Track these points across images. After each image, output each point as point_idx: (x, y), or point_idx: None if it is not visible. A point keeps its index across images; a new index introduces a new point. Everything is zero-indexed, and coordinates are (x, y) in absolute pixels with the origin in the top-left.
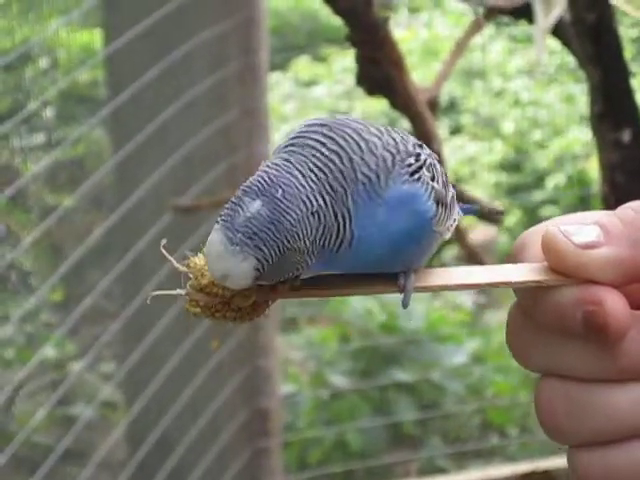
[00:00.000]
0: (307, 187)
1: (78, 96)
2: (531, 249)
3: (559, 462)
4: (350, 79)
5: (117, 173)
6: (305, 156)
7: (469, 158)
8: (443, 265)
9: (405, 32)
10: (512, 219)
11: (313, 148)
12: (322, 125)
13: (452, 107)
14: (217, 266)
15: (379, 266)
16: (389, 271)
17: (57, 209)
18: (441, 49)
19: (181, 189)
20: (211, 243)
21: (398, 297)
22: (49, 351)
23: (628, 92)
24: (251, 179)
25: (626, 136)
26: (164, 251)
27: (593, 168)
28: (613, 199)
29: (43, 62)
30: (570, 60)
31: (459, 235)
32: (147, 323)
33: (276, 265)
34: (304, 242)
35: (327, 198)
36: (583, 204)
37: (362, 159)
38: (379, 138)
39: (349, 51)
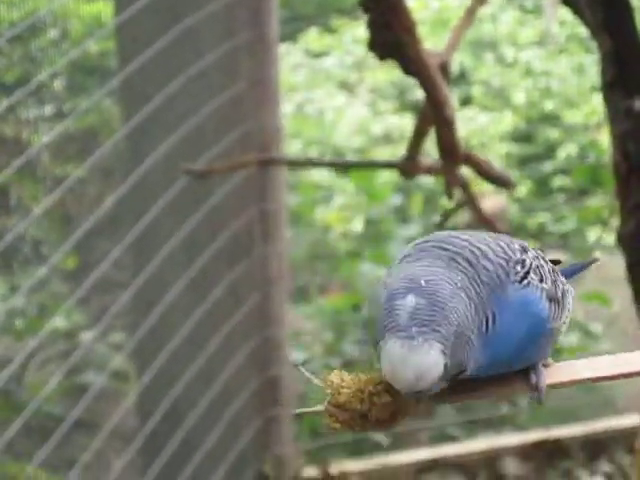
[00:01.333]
0: (444, 272)
1: (88, 67)
2: None
3: (569, 431)
4: (360, 50)
5: (128, 143)
6: (434, 257)
7: (480, 129)
8: (452, 229)
9: (416, 2)
10: (523, 190)
11: (438, 255)
12: (434, 239)
13: (462, 78)
14: (407, 371)
15: (508, 368)
16: (513, 370)
17: (67, 179)
18: (452, 19)
19: (192, 157)
20: (391, 354)
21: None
22: (60, 321)
23: (639, 59)
24: (388, 287)
25: (637, 104)
26: (303, 369)
27: (605, 139)
28: (625, 167)
29: (53, 33)
30: (581, 30)
31: (470, 200)
32: (157, 293)
33: (455, 345)
34: (465, 316)
35: (467, 279)
36: (595, 174)
37: (484, 267)
38: (489, 247)
39: (359, 22)
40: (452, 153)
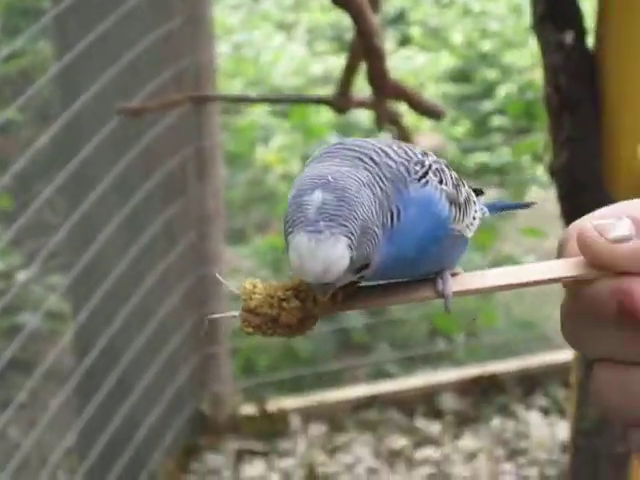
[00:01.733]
0: (350, 170)
1: (22, 8)
2: (571, 242)
3: (505, 366)
4: None
5: (61, 83)
6: (341, 158)
7: (418, 69)
8: None
9: None
10: (460, 129)
11: (345, 155)
12: (341, 143)
13: (400, 18)
14: (313, 264)
15: (412, 270)
16: (421, 276)
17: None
18: None
19: (126, 96)
20: (298, 246)
21: None
22: None
23: None
24: (296, 185)
25: (568, 37)
26: (219, 276)
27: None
28: (556, 101)
29: None
30: None
31: (402, 136)
32: (92, 232)
33: (360, 239)
34: (370, 211)
35: (371, 176)
36: (530, 110)
37: (387, 165)
38: (391, 148)
39: None
40: (381, 84)
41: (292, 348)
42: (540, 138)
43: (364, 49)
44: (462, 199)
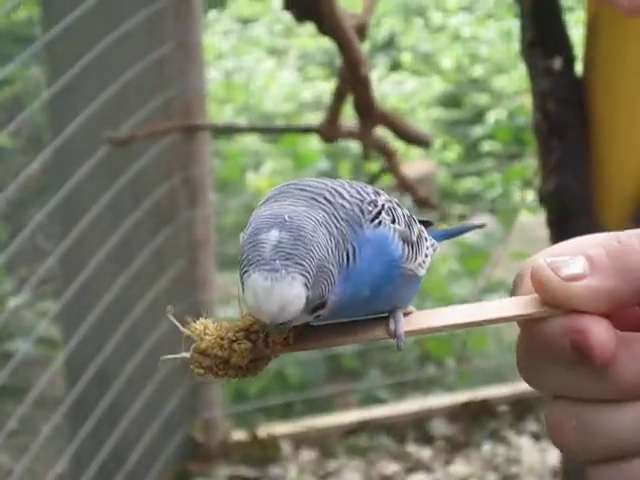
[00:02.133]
0: (306, 210)
1: (13, 35)
2: (526, 279)
3: (496, 391)
4: (289, 17)
5: (52, 109)
6: (296, 198)
7: (408, 94)
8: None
9: None
10: (451, 155)
11: (300, 195)
12: (294, 183)
13: (391, 43)
14: (269, 303)
15: (365, 309)
16: (374, 314)
17: None
18: None
19: (116, 122)
20: (254, 286)
21: None
22: None
23: (559, 18)
24: (252, 224)
25: (557, 63)
26: (171, 317)
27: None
28: (545, 126)
29: None
30: None
31: (390, 164)
32: (83, 259)
33: (317, 278)
34: (327, 250)
35: (327, 216)
36: (520, 135)
37: (342, 205)
38: (344, 189)
39: None
40: (368, 113)
41: (282, 374)
42: (531, 163)
43: (351, 78)
44: (414, 237)
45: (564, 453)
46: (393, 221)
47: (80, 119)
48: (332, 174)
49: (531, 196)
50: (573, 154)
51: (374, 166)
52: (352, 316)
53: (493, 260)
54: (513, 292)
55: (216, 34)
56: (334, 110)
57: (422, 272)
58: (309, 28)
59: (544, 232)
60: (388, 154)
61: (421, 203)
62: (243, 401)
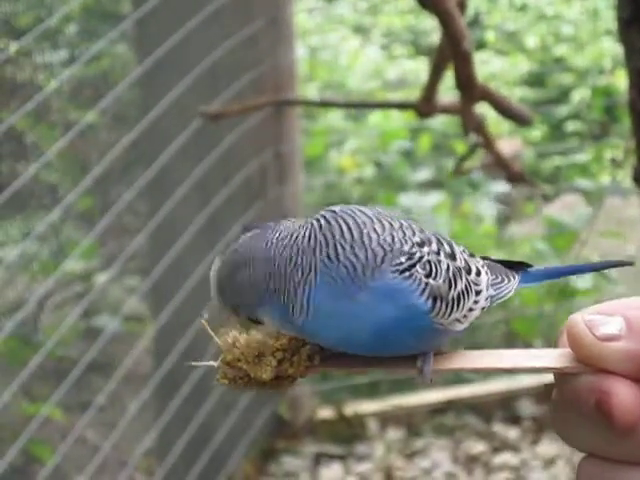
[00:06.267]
0: (271, 244)
1: (101, 12)
2: (564, 334)
3: None
4: None
5: (141, 86)
6: (295, 229)
7: (493, 73)
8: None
9: None
10: (537, 134)
11: (309, 226)
12: (332, 211)
13: (476, 22)
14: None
15: (388, 350)
16: (393, 354)
17: (80, 123)
18: None
19: (206, 100)
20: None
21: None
22: (75, 264)
23: None
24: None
25: None
26: (206, 325)
27: (619, 82)
28: None
29: None
30: None
31: (487, 142)
32: (171, 236)
33: (236, 271)
34: (251, 273)
35: (285, 255)
36: (609, 115)
37: (351, 247)
38: (378, 235)
39: None
40: (469, 88)
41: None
42: (616, 143)
43: (452, 53)
44: (454, 292)
45: None
46: (429, 275)
47: (170, 96)
48: (411, 152)
49: (620, 175)
50: None
51: (459, 145)
52: (380, 354)
53: (581, 239)
54: (556, 344)
55: (301, 12)
56: (430, 86)
57: (460, 327)
58: (394, 5)
59: (634, 211)
60: (484, 132)
61: (515, 179)
62: (330, 379)
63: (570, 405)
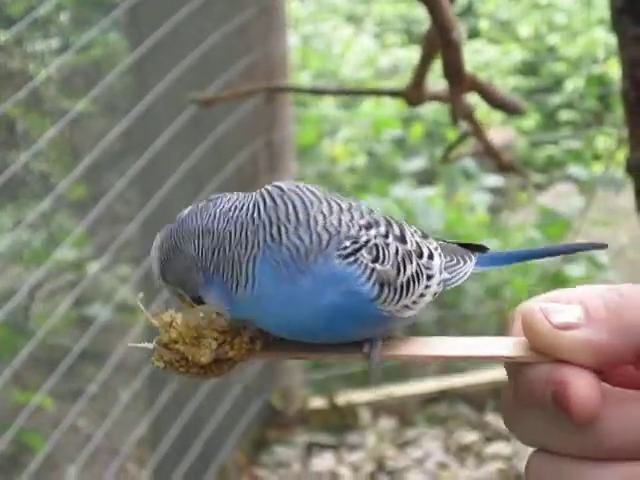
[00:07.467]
0: (211, 217)
1: (93, 0)
2: (518, 322)
3: None
4: None
5: (133, 74)
6: (240, 202)
7: (487, 62)
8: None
9: None
10: (530, 122)
11: (255, 204)
12: (279, 188)
13: (469, 11)
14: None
15: (331, 336)
16: (337, 340)
17: (71, 111)
18: None
19: (198, 87)
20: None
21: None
22: (67, 252)
23: None
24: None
25: None
26: (141, 305)
27: (612, 71)
28: (634, 95)
29: None
30: None
31: (476, 130)
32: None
33: (176, 251)
34: (194, 249)
35: (229, 229)
36: (603, 103)
37: (296, 229)
38: (325, 217)
39: None
40: (458, 78)
41: None
42: (609, 132)
43: (441, 42)
44: (404, 278)
45: None
46: (375, 260)
47: (162, 85)
48: (403, 140)
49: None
50: None
51: (451, 133)
52: (322, 340)
53: (574, 228)
54: (506, 332)
55: (294, 0)
56: (420, 74)
57: (409, 313)
58: None
59: (626, 203)
60: (473, 120)
61: (505, 168)
62: (322, 369)
63: (524, 397)
